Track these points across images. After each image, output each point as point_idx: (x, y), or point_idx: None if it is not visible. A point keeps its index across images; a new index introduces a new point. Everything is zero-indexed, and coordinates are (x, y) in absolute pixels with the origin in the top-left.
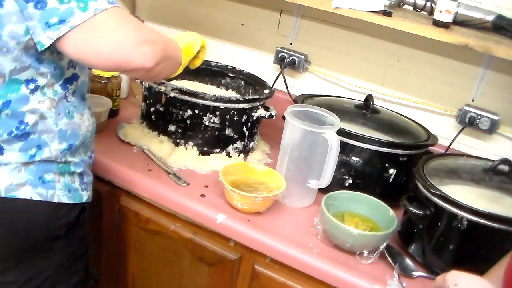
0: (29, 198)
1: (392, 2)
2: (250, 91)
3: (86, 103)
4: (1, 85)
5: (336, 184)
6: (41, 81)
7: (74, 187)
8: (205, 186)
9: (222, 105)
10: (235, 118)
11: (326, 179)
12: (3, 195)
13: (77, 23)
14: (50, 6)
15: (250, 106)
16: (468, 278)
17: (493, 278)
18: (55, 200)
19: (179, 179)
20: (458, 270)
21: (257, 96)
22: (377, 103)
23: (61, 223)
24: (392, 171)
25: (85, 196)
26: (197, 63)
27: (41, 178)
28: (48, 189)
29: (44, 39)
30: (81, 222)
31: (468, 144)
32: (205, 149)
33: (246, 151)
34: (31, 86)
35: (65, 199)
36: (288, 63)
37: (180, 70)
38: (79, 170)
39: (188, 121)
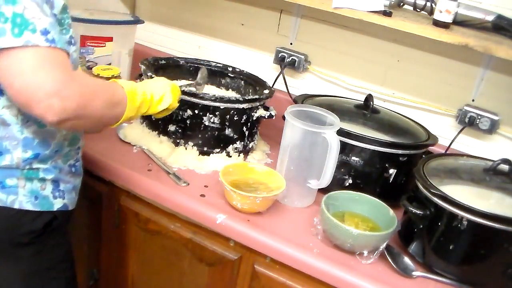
0: None
1: (392, 2)
2: (250, 91)
3: None
4: None
5: (336, 184)
6: None
7: (43, 194)
8: (205, 186)
9: (222, 105)
10: (235, 118)
11: (326, 179)
12: None
13: (4, 46)
14: None
15: (250, 106)
16: None
17: None
18: (16, 206)
19: (179, 179)
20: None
21: (257, 96)
22: (377, 103)
23: (24, 231)
24: (392, 171)
25: (57, 204)
26: (164, 113)
27: (1, 183)
28: (9, 194)
29: None
30: (52, 230)
31: (468, 144)
32: (205, 149)
33: (246, 151)
34: None
35: (28, 206)
36: (288, 63)
37: (126, 118)
38: (50, 177)
39: (188, 121)
